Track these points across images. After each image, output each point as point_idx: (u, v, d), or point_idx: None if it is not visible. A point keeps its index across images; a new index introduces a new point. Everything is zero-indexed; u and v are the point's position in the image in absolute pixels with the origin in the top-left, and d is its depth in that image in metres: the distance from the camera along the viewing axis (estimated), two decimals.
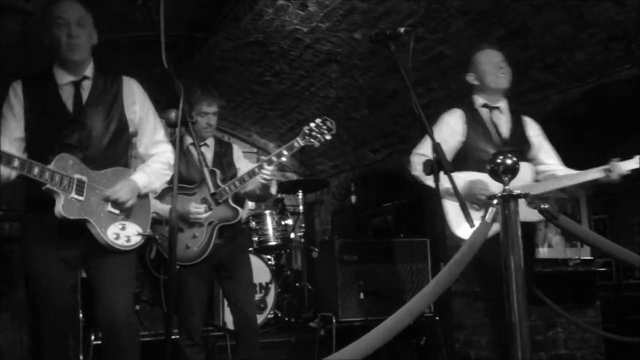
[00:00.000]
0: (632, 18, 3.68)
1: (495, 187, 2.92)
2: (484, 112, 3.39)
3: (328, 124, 3.61)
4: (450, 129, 3.35)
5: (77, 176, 2.64)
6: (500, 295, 2.12)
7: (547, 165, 3.42)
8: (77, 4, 2.73)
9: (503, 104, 3.42)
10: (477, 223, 2.77)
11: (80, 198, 2.64)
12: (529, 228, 3.09)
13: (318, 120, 3.61)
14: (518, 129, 3.40)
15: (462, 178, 3.14)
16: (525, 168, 3.16)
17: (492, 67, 3.35)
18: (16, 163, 2.49)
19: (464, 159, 3.32)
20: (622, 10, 3.68)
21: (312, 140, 3.58)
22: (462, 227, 3.26)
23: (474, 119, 3.35)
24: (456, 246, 3.42)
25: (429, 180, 3.18)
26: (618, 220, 8.18)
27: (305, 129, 3.58)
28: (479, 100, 3.41)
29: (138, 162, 3.03)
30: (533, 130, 3.48)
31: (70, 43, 2.67)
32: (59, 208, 2.57)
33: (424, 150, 3.32)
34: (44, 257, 2.67)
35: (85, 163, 2.70)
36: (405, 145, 6.02)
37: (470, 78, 3.44)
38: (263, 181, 3.48)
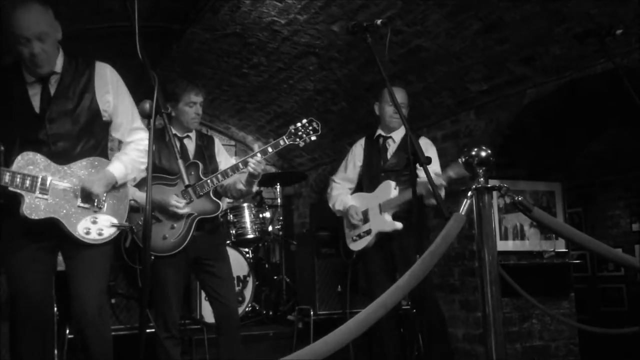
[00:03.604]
0: (606, 12, 3.72)
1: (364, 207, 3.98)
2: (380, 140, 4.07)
3: (314, 124, 3.60)
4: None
5: (41, 175, 2.62)
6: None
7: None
8: (36, 16, 2.58)
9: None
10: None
11: (45, 197, 2.62)
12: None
13: (304, 121, 3.60)
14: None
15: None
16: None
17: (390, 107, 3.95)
18: None
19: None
20: (596, 4, 3.72)
21: (297, 140, 3.57)
22: (350, 239, 4.10)
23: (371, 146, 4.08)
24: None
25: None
26: (593, 213, 8.26)
27: (291, 129, 3.58)
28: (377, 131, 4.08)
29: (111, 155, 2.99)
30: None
31: (33, 60, 2.61)
32: (22, 210, 2.57)
33: (339, 178, 4.23)
34: (18, 254, 2.66)
35: (55, 158, 2.68)
36: None
37: (376, 108, 4.14)
38: (252, 170, 3.45)
